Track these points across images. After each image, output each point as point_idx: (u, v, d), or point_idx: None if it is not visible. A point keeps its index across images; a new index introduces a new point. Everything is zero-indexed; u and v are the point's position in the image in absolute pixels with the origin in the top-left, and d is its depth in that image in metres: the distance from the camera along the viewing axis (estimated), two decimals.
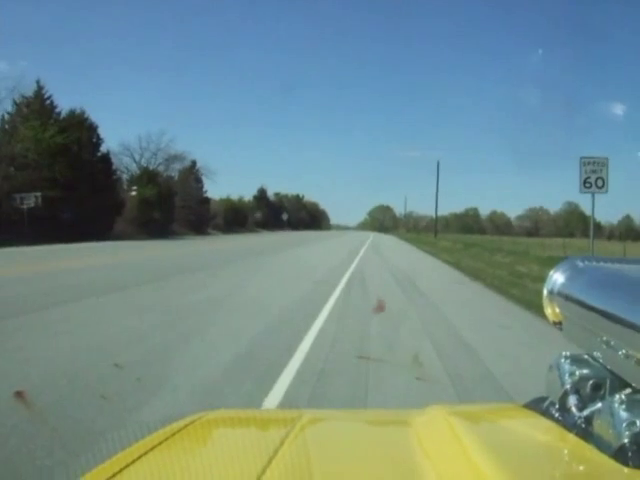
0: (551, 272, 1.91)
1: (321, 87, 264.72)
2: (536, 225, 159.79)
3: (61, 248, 34.69)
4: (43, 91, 55.74)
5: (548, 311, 1.91)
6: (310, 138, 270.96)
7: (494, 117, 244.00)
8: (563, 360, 1.73)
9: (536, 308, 13.05)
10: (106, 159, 60.84)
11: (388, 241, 76.87)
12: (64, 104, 58.96)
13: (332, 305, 13.53)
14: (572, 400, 1.60)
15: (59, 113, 56.51)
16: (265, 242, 59.94)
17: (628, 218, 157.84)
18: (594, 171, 18.27)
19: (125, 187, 70.36)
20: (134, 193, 66.68)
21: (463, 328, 11.00)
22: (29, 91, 54.66)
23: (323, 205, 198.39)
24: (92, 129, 59.00)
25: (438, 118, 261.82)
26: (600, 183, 18.26)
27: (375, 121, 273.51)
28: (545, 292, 1.91)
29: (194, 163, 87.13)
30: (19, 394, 5.67)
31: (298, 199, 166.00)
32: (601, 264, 1.95)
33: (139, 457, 1.45)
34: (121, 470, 1.35)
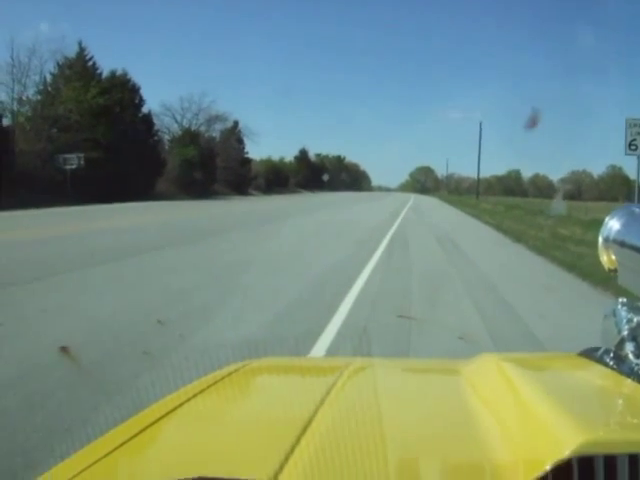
0: (606, 219, 1.87)
1: (363, 48, 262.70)
2: (579, 188, 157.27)
3: (103, 208, 35.07)
4: (85, 52, 55.74)
5: (603, 258, 1.89)
6: (352, 100, 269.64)
7: (538, 77, 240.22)
8: (619, 307, 1.69)
9: (578, 270, 12.98)
10: (147, 120, 60.97)
11: (429, 203, 76.49)
12: (106, 66, 59.38)
13: (374, 265, 13.56)
14: (629, 347, 1.57)
15: (101, 75, 56.45)
16: (306, 203, 59.92)
17: None
18: None
19: (167, 147, 70.46)
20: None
21: (506, 291, 10.91)
22: (71, 53, 54.84)
23: (364, 166, 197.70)
24: (134, 90, 59.07)
25: (481, 79, 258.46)
26: None
27: (417, 82, 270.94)
28: (600, 239, 1.88)
29: (236, 124, 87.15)
30: (64, 349, 5.74)
31: (339, 160, 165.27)
32: None
33: (180, 405, 1.46)
34: (162, 417, 1.38)
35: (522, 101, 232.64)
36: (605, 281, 10.40)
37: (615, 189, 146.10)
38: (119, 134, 51.34)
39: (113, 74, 57.62)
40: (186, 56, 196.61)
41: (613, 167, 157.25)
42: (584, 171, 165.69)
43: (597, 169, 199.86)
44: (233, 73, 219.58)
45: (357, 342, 6.79)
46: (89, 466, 1.13)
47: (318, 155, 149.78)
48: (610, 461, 0.92)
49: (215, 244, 17.17)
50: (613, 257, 1.85)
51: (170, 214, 31.44)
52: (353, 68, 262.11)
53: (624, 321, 1.64)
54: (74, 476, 1.08)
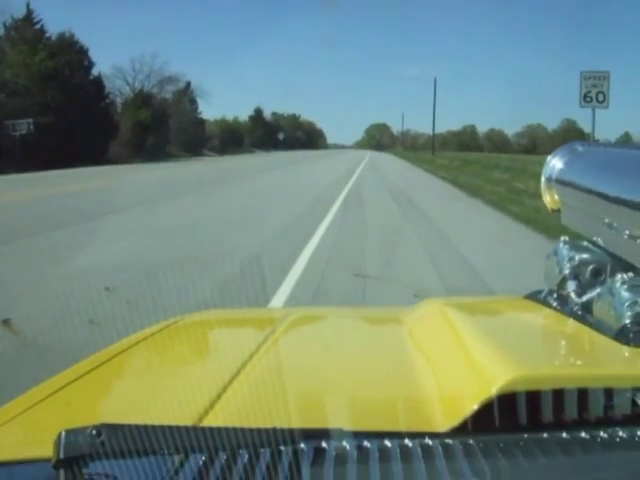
0: (548, 158, 1.91)
1: (315, 4, 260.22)
2: (534, 142, 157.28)
3: (54, 174, 34.38)
4: (32, 15, 54.47)
5: (546, 198, 1.93)
6: (305, 57, 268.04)
7: (491, 32, 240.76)
8: (562, 246, 1.72)
9: (535, 224, 12.99)
10: (98, 82, 59.85)
11: (385, 159, 76.47)
12: (54, 28, 57.87)
13: (330, 221, 13.57)
14: (571, 286, 1.60)
15: (50, 38, 55.26)
16: (262, 161, 60.01)
17: (627, 135, 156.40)
18: (595, 85, 17.83)
19: (119, 110, 69.38)
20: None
21: (462, 245, 10.92)
22: (18, 14, 53.45)
23: (320, 124, 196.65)
24: (82, 52, 57.92)
25: (435, 34, 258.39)
26: (601, 97, 17.85)
27: (371, 38, 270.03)
28: (543, 179, 1.92)
29: (188, 84, 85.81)
30: (5, 322, 5.55)
31: (294, 118, 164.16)
32: (601, 148, 1.96)
33: (113, 357, 1.50)
34: (93, 369, 1.41)
35: (477, 58, 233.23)
36: (563, 234, 10.44)
37: (570, 142, 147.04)
38: (69, 98, 50.40)
39: (61, 36, 56.35)
40: (136, 16, 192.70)
41: (567, 120, 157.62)
42: (539, 125, 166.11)
43: (552, 123, 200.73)
44: (185, 33, 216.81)
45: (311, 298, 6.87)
46: (14, 416, 1.16)
47: (274, 114, 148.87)
48: (536, 396, 0.93)
49: (165, 208, 16.97)
50: (556, 197, 1.89)
51: (112, 179, 30.58)
52: (307, 24, 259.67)
53: (565, 260, 1.66)
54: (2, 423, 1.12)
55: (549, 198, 1.93)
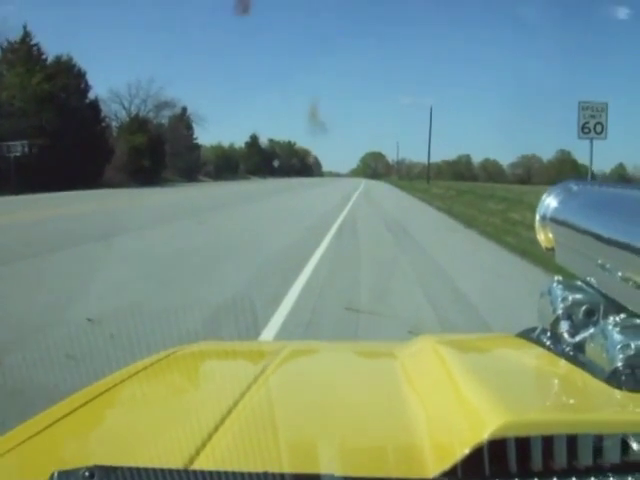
0: (543, 196, 1.90)
1: (312, 32, 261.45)
2: (529, 173, 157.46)
3: (48, 197, 34.04)
4: (29, 37, 54.55)
5: (541, 237, 1.94)
6: (303, 85, 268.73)
7: (487, 62, 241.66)
8: (555, 286, 1.71)
9: (531, 256, 12.76)
10: (94, 106, 60.01)
11: (380, 188, 76.26)
12: (51, 51, 57.90)
13: (322, 252, 13.32)
14: (564, 326, 1.59)
15: (46, 60, 55.40)
16: (256, 188, 59.79)
17: (621, 166, 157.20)
18: (593, 116, 17.60)
19: (115, 134, 69.36)
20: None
21: (459, 278, 10.67)
22: (15, 37, 53.61)
23: (315, 152, 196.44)
24: (80, 76, 58.10)
25: (431, 65, 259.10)
26: (599, 129, 17.62)
27: (367, 67, 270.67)
28: (537, 217, 1.92)
29: (184, 110, 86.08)
30: None
31: (290, 146, 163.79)
32: (596, 187, 2.00)
33: (107, 390, 1.49)
34: (86, 403, 1.39)
35: (472, 87, 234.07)
36: (559, 267, 10.22)
37: (565, 173, 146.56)
38: (65, 121, 50.41)
39: (58, 59, 56.55)
40: (134, 40, 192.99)
41: (562, 151, 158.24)
42: (534, 155, 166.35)
43: (547, 154, 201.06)
44: (182, 58, 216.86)
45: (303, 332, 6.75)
46: (6, 452, 1.14)
47: (270, 140, 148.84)
48: (526, 443, 0.94)
49: (153, 235, 16.72)
50: (550, 235, 1.90)
51: (105, 203, 30.16)
52: (304, 53, 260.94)
53: (559, 300, 1.66)
54: None
55: (543, 236, 1.94)
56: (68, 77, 54.88)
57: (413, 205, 38.51)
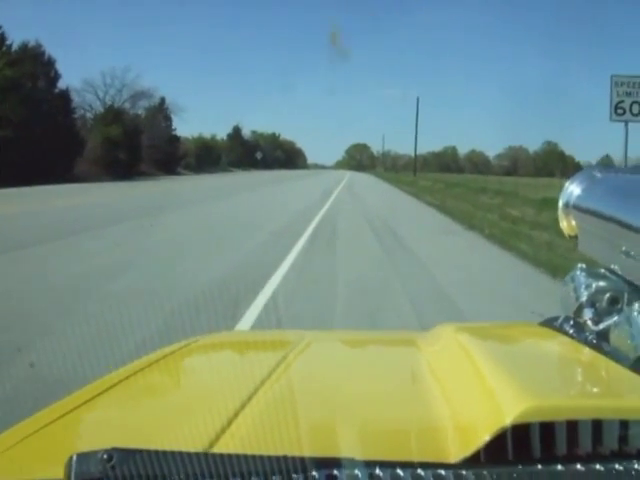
0: (567, 184, 1.89)
1: (296, 23, 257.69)
2: (515, 164, 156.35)
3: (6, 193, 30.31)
4: None
5: (563, 224, 1.91)
6: (287, 76, 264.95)
7: (473, 53, 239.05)
8: (578, 273, 1.69)
9: (563, 272, 9.18)
10: (64, 96, 55.85)
11: (365, 181, 72.95)
12: (21, 38, 53.64)
13: (283, 274, 9.80)
14: (588, 314, 1.58)
15: (10, 46, 51.22)
16: (234, 182, 56.54)
17: (607, 158, 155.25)
18: (629, 94, 13.93)
19: (89, 126, 65.71)
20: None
21: (477, 314, 7.23)
22: None
23: (299, 144, 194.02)
24: (49, 64, 54.00)
25: (416, 55, 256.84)
26: (636, 109, 13.95)
27: (354, 58, 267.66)
28: (560, 204, 1.89)
29: (163, 100, 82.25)
30: None
31: (274, 138, 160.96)
32: (619, 174, 1.96)
33: (124, 379, 1.47)
34: (104, 391, 1.38)
35: (458, 78, 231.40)
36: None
37: (551, 165, 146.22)
38: (31, 111, 46.81)
39: (25, 45, 52.38)
40: (109, 30, 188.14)
41: (549, 143, 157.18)
42: (520, 147, 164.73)
43: (533, 145, 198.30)
44: (159, 46, 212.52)
45: None
46: (26, 437, 1.15)
47: (254, 132, 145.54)
48: (550, 428, 0.92)
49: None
50: (573, 223, 1.86)
51: (60, 200, 26.56)
52: (288, 43, 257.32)
53: (583, 287, 1.63)
54: (10, 447, 1.11)
55: (566, 224, 1.88)
56: (35, 64, 50.93)
57: (401, 200, 34.77)
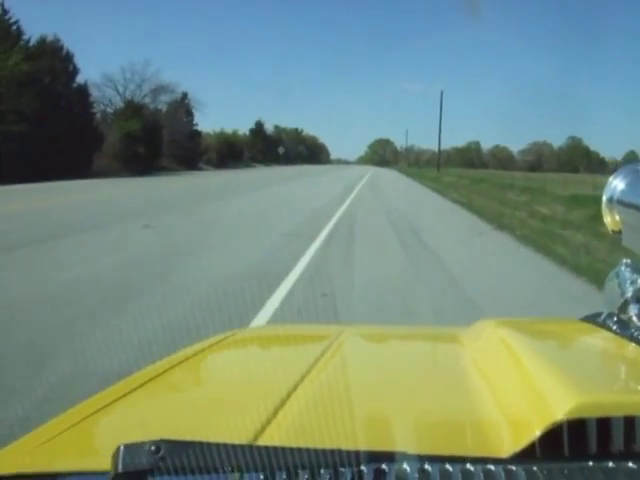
0: (610, 178, 1.80)
1: (322, 19, 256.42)
2: (539, 160, 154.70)
3: (17, 189, 29.24)
4: (8, 15, 49.46)
5: (607, 219, 1.82)
6: (312, 72, 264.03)
7: (497, 48, 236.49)
8: (623, 268, 1.65)
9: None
10: (83, 90, 54.89)
11: (388, 176, 71.58)
12: (40, 32, 52.69)
13: (295, 281, 8.70)
14: (633, 309, 1.52)
15: (28, 41, 50.17)
16: (255, 177, 55.36)
17: (632, 154, 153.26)
18: None
19: (109, 121, 64.82)
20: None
21: None
22: None
23: (323, 139, 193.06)
24: (67, 58, 52.96)
25: (440, 51, 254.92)
26: None
27: (377, 54, 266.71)
28: (604, 199, 1.81)
29: (185, 95, 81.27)
30: None
31: (297, 133, 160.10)
32: None
33: (162, 372, 1.47)
34: (144, 384, 1.37)
35: (482, 74, 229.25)
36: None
37: (575, 160, 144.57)
38: (49, 106, 45.55)
39: (43, 40, 51.39)
40: (129, 22, 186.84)
41: (573, 138, 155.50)
42: (544, 142, 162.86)
43: (557, 140, 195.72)
44: (180, 41, 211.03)
45: None
46: (70, 427, 1.14)
47: (276, 127, 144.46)
48: (605, 424, 0.89)
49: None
50: (617, 218, 1.80)
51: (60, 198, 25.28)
52: (312, 39, 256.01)
53: (628, 283, 1.58)
54: (54, 436, 1.10)
55: (610, 219, 1.78)
56: (53, 59, 49.90)
57: (425, 197, 33.27)
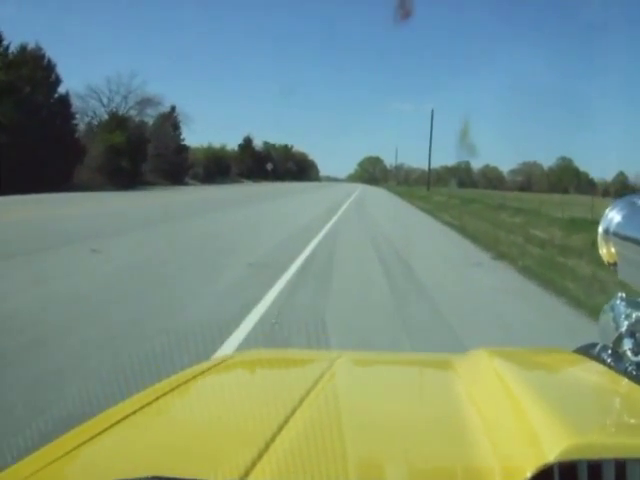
0: (607, 210, 1.83)
1: (312, 35, 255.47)
2: (529, 180, 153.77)
3: None
4: None
5: (603, 251, 1.85)
6: (301, 89, 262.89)
7: (487, 68, 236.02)
8: (618, 302, 1.64)
9: None
10: (64, 101, 52.74)
11: (376, 195, 69.69)
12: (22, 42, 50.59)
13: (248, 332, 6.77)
14: (627, 344, 1.52)
15: (7, 47, 48.18)
16: (239, 193, 53.88)
17: (622, 175, 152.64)
18: None
19: (93, 133, 62.80)
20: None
21: None
22: None
23: (312, 156, 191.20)
24: (49, 67, 50.90)
25: (430, 70, 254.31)
26: None
27: (368, 73, 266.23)
28: (600, 231, 1.84)
29: (173, 108, 79.25)
30: None
31: (286, 149, 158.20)
32: None
33: (160, 397, 1.44)
34: (136, 411, 1.34)
35: (472, 93, 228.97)
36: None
37: (565, 181, 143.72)
38: (29, 116, 43.63)
39: (24, 48, 49.42)
40: (114, 34, 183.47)
41: (563, 159, 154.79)
42: (534, 162, 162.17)
43: (547, 161, 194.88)
44: (167, 53, 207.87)
45: None
46: (58, 458, 1.10)
47: (265, 143, 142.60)
48: (595, 466, 0.89)
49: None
50: (613, 250, 1.82)
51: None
52: (303, 56, 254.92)
53: (623, 317, 1.58)
54: (39, 469, 1.06)
55: (606, 251, 1.80)
56: (35, 68, 47.94)
57: (416, 220, 30.63)
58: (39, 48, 50.50)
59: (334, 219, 25.42)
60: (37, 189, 36.81)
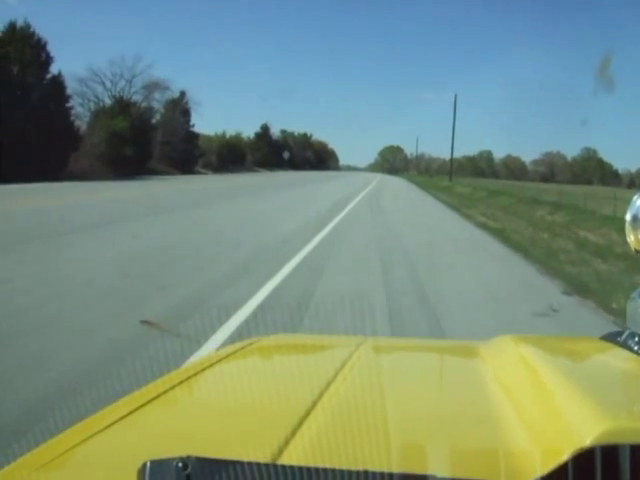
0: (635, 197, 1.75)
1: (333, 26, 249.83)
2: (552, 170, 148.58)
3: None
4: None
5: (631, 238, 1.79)
6: (322, 77, 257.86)
7: (510, 58, 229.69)
8: None
9: None
10: (57, 82, 47.49)
11: (395, 185, 64.18)
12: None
13: None
14: None
15: None
16: (253, 182, 50.41)
17: None
18: None
19: (95, 118, 58.32)
20: None
21: None
22: None
23: (332, 145, 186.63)
24: (39, 45, 45.67)
25: (452, 59, 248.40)
26: None
27: (389, 61, 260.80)
28: (628, 218, 1.77)
29: (183, 94, 74.23)
30: None
31: (305, 138, 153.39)
32: None
33: (185, 380, 1.43)
34: (162, 393, 1.32)
35: (495, 83, 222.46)
36: None
37: (589, 172, 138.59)
38: (17, 99, 39.45)
39: (12, 26, 44.40)
40: (118, 15, 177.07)
41: (587, 150, 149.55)
42: (558, 153, 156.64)
43: (571, 151, 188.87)
44: (175, 35, 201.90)
45: None
46: (84, 440, 1.09)
47: (283, 132, 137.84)
48: (636, 450, 0.87)
49: None
50: None
51: None
52: (323, 44, 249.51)
53: None
54: (66, 451, 1.05)
55: (634, 238, 1.73)
56: (23, 48, 43.00)
57: (441, 217, 24.28)
58: (28, 26, 45.35)
59: (343, 213, 20.66)
60: (22, 179, 32.36)
